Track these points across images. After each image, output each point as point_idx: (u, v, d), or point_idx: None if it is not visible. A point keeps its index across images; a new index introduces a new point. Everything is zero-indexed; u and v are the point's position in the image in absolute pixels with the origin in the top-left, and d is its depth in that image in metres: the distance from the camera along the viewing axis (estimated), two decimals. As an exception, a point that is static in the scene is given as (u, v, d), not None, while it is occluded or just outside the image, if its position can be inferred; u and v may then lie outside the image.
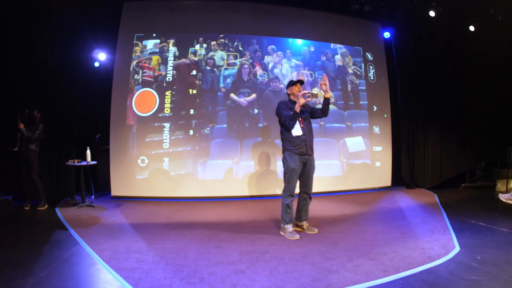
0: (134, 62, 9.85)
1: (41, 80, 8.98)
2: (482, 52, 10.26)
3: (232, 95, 10.16)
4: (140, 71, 9.84)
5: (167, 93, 9.78)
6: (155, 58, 9.94)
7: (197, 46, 10.15)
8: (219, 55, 10.25)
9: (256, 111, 10.13)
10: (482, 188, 11.18)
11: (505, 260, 5.00)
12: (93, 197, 9.24)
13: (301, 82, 6.59)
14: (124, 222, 7.27)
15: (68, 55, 9.13)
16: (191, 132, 9.74)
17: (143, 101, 9.73)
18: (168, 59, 9.97)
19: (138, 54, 9.87)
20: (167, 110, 9.72)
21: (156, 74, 9.89)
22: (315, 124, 10.34)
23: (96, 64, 10.00)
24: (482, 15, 9.85)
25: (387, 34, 11.79)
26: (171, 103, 9.80)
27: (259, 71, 10.48)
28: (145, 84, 9.80)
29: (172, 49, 10.04)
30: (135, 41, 9.93)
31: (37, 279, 4.30)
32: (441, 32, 10.54)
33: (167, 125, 9.70)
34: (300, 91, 6.50)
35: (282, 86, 10.49)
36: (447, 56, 10.84)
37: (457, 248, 5.58)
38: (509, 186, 10.72)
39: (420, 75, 11.23)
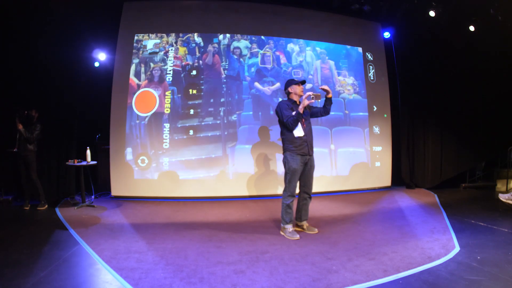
0: (162, 53, 10.00)
1: (41, 80, 8.98)
2: (482, 52, 10.28)
3: (257, 84, 10.33)
4: (168, 62, 9.99)
5: (167, 93, 9.80)
6: (182, 48, 10.13)
7: (221, 36, 10.34)
8: (243, 44, 10.45)
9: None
10: (482, 188, 11.16)
11: (505, 260, 5.02)
12: (93, 197, 9.25)
13: (303, 82, 6.58)
14: (124, 222, 7.28)
15: (68, 55, 9.14)
16: (191, 132, 9.77)
17: (143, 101, 9.75)
18: (173, 52, 10.07)
19: (146, 49, 9.94)
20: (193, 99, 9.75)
21: (183, 64, 10.04)
22: (340, 112, 10.72)
23: (96, 64, 10.00)
24: (482, 15, 9.86)
25: (387, 34, 11.78)
26: (197, 91, 10.03)
27: (282, 59, 10.65)
28: (173, 73, 9.95)
29: (197, 40, 10.22)
30: (155, 37, 10.10)
31: (37, 279, 4.32)
32: (441, 32, 10.55)
33: (167, 125, 9.73)
34: (302, 91, 6.52)
35: (310, 77, 10.80)
36: (447, 56, 10.85)
37: (457, 248, 5.59)
38: (509, 186, 10.72)
39: (420, 75, 11.23)
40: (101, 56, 9.83)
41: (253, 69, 10.39)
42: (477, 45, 10.29)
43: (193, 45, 10.17)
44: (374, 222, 7.47)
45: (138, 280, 4.41)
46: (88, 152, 8.58)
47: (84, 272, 4.70)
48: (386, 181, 11.35)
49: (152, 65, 9.93)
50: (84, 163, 8.50)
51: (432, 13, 10.08)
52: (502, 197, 9.30)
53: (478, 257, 5.14)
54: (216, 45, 10.27)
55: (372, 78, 11.43)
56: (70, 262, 4.98)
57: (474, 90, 10.72)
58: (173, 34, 10.11)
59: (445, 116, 11.19)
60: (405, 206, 8.92)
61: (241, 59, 10.36)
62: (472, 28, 10.25)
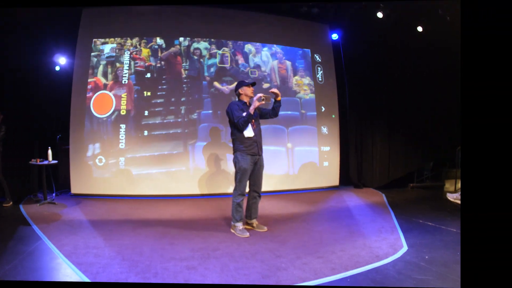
0: (126, 54, 10.27)
1: (6, 84, 9.21)
2: (430, 53, 10.62)
3: (216, 83, 10.68)
4: (132, 62, 10.25)
5: (124, 94, 10.09)
6: (145, 50, 10.39)
7: (181, 38, 10.67)
8: (203, 46, 10.78)
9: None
10: (430, 188, 11.41)
11: (453, 260, 5.15)
12: (54, 194, 9.36)
13: (253, 84, 6.89)
14: (83, 219, 7.44)
15: (32, 61, 9.45)
16: (146, 132, 10.10)
17: (100, 103, 10.02)
18: (136, 53, 10.36)
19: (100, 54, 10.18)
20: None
21: (146, 64, 10.32)
22: (296, 112, 11.08)
23: (57, 68, 10.15)
24: (430, 16, 10.13)
25: (335, 36, 11.98)
26: (159, 90, 10.37)
27: (240, 60, 11.01)
28: (138, 74, 10.24)
29: (159, 42, 10.51)
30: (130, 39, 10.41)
31: (2, 273, 4.49)
32: (389, 33, 10.82)
33: (123, 126, 10.04)
34: (253, 93, 6.83)
35: (266, 73, 11.18)
36: (395, 57, 11.13)
37: (405, 248, 5.76)
38: (457, 186, 10.87)
39: (368, 76, 11.48)
40: (61, 61, 9.99)
41: (212, 69, 10.71)
42: (426, 46, 10.57)
43: (156, 46, 10.43)
44: (322, 221, 7.69)
45: (96, 275, 4.59)
46: (50, 152, 8.79)
47: (46, 266, 4.89)
48: (334, 180, 11.56)
49: (117, 65, 10.16)
50: (45, 162, 8.71)
51: (380, 15, 10.37)
52: (450, 197, 9.62)
53: (426, 257, 5.32)
54: (178, 46, 10.57)
55: (320, 79, 11.69)
56: (33, 257, 5.17)
57: (421, 91, 11.04)
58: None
59: (393, 117, 11.46)
60: (353, 205, 9.15)
61: (201, 60, 10.66)
62: (420, 29, 10.56)
